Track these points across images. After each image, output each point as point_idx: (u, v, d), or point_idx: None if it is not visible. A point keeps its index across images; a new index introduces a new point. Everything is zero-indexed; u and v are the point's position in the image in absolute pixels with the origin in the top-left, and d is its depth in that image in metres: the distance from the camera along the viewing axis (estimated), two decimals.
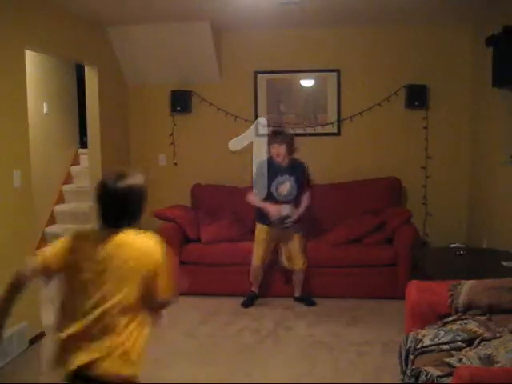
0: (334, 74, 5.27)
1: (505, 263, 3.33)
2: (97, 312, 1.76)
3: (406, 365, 2.38)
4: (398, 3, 4.28)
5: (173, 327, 3.87)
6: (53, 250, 1.92)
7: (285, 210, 4.07)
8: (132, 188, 1.86)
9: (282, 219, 4.07)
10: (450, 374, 2.04)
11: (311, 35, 5.22)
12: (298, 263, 4.23)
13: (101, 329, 1.76)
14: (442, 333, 2.35)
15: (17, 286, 1.99)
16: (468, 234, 5.14)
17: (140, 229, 1.87)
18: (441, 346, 2.27)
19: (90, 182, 4.96)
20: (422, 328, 2.51)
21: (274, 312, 4.19)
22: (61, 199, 6.27)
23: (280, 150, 4.10)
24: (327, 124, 5.33)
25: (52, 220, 6.07)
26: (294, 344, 3.59)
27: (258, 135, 5.38)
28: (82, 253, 1.85)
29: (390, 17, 4.76)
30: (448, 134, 5.19)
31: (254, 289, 4.42)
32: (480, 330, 2.33)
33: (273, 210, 4.07)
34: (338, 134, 5.33)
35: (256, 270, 4.31)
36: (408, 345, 2.42)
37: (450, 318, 2.50)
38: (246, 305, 4.35)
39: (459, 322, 2.44)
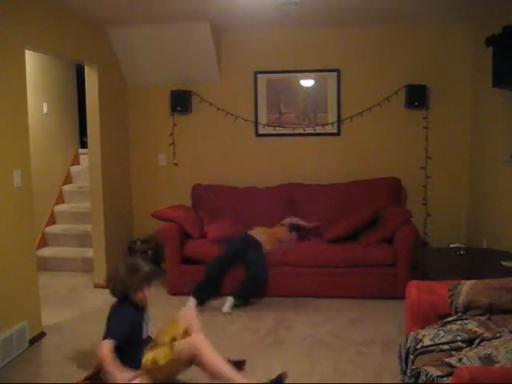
0: (334, 73, 5.27)
1: (505, 263, 3.33)
2: None
3: (406, 365, 2.38)
4: (398, 3, 4.28)
5: None
6: None
7: None
8: None
9: None
10: (449, 374, 2.04)
11: (311, 35, 5.22)
12: None
13: None
14: (442, 333, 2.35)
15: None
16: (468, 234, 5.14)
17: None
18: (441, 346, 2.27)
19: (89, 182, 4.96)
20: (422, 328, 2.51)
21: (274, 312, 4.19)
22: (61, 199, 6.28)
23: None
24: (327, 124, 5.33)
25: (52, 220, 6.07)
26: (293, 344, 3.59)
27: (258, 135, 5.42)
28: None
29: (390, 17, 4.76)
30: (448, 134, 5.19)
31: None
32: (480, 330, 2.32)
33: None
34: (338, 134, 5.33)
35: None
36: (408, 345, 2.42)
37: (450, 318, 2.50)
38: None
39: (459, 322, 2.44)
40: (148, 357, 2.65)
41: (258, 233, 4.65)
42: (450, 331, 2.35)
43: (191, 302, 4.21)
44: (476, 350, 2.19)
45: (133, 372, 2.57)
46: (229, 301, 4.23)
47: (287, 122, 5.39)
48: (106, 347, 2.52)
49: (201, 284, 4.35)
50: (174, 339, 2.76)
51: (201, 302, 4.26)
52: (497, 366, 2.02)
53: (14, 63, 3.49)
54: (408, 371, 2.34)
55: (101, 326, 2.75)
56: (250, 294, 4.35)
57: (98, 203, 4.90)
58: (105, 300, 4.63)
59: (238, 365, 3.01)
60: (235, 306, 4.24)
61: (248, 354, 3.44)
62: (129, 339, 2.70)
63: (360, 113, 5.27)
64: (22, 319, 3.54)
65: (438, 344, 2.28)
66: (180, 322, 2.88)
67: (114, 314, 2.76)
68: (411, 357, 2.35)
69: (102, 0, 4.07)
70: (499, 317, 2.46)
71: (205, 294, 4.34)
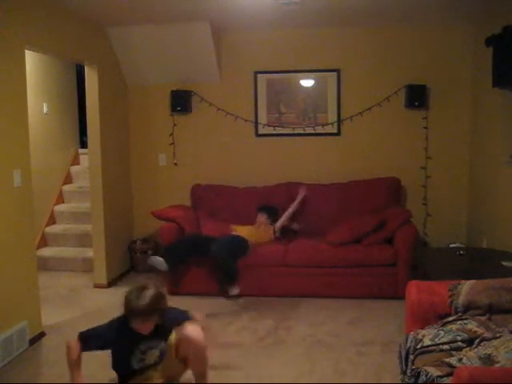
0: (334, 73, 5.27)
1: (505, 263, 3.33)
2: None
3: (406, 365, 2.38)
4: (398, 3, 4.28)
5: None
6: None
7: None
8: None
9: None
10: (449, 374, 2.03)
11: (311, 35, 5.22)
12: None
13: None
14: (442, 333, 2.35)
15: None
16: (468, 234, 5.14)
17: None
18: (441, 346, 2.27)
19: (89, 182, 4.96)
20: (422, 328, 2.51)
21: (274, 312, 4.19)
22: (61, 199, 6.28)
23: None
24: (327, 124, 5.33)
25: (52, 220, 6.08)
26: (293, 344, 3.59)
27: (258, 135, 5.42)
28: None
29: (390, 17, 4.76)
30: (448, 134, 5.19)
31: None
32: (480, 330, 2.32)
33: None
34: (338, 134, 5.33)
35: None
36: (408, 345, 2.41)
37: (450, 318, 2.50)
38: None
39: (459, 322, 2.44)
40: None
41: (240, 232, 4.70)
42: (450, 331, 2.35)
43: (157, 259, 4.32)
44: (476, 350, 2.19)
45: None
46: (230, 289, 4.33)
47: (287, 121, 5.39)
48: (74, 340, 2.52)
49: (171, 247, 4.43)
50: None
51: (170, 265, 4.32)
52: (497, 365, 2.02)
53: (14, 63, 3.49)
54: (408, 371, 2.34)
55: None
56: (230, 275, 4.34)
57: (98, 203, 4.90)
58: (105, 300, 4.65)
59: None
60: (229, 284, 4.33)
61: (248, 353, 3.44)
62: (116, 361, 2.63)
63: (360, 113, 5.27)
64: (22, 319, 3.54)
65: (438, 344, 2.28)
66: (172, 349, 2.68)
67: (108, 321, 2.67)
68: (411, 357, 2.35)
69: (102, 0, 4.07)
70: (499, 317, 2.46)
71: (174, 257, 4.38)
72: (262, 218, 4.83)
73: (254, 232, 4.71)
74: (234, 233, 4.70)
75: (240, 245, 4.52)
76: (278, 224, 4.80)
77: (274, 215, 4.86)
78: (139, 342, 2.61)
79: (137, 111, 5.58)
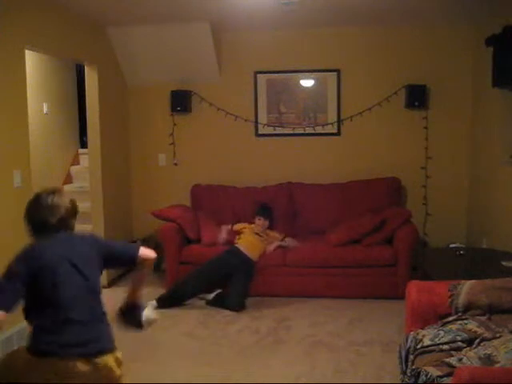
0: (334, 73, 5.27)
1: (505, 263, 3.34)
2: None
3: (406, 365, 2.38)
4: (399, 3, 4.28)
5: (173, 327, 3.88)
6: None
7: None
8: None
9: None
10: (449, 374, 2.03)
11: (311, 35, 5.22)
12: None
13: None
14: (442, 333, 2.35)
15: None
16: (468, 234, 5.14)
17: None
18: (441, 346, 2.27)
19: (89, 182, 4.96)
20: (422, 328, 2.51)
21: (274, 312, 4.19)
22: None
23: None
24: (327, 124, 5.33)
25: None
26: (294, 344, 3.59)
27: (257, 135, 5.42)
28: None
29: (390, 17, 4.76)
30: (448, 134, 5.19)
31: None
32: (480, 330, 2.33)
33: None
34: (338, 134, 5.34)
35: None
36: (408, 345, 2.42)
37: (450, 318, 2.50)
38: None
39: (459, 322, 2.44)
40: None
41: (245, 245, 4.54)
42: (450, 331, 2.35)
43: (151, 305, 4.03)
44: (476, 350, 2.19)
45: None
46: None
47: (287, 122, 5.39)
48: None
49: (171, 294, 4.35)
50: None
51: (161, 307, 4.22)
52: (497, 365, 2.02)
53: (14, 63, 3.49)
54: (408, 371, 2.34)
55: None
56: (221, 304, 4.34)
57: (98, 203, 4.90)
58: (104, 300, 4.64)
59: None
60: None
61: (248, 353, 3.44)
62: None
63: (360, 113, 5.27)
64: (22, 319, 3.53)
65: (438, 344, 2.28)
66: None
67: None
68: (411, 357, 2.35)
69: (102, 0, 4.07)
70: (499, 317, 2.46)
71: (170, 303, 4.30)
72: (265, 222, 4.76)
73: (261, 245, 4.59)
74: (237, 245, 4.54)
75: (251, 280, 4.45)
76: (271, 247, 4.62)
77: (272, 219, 4.85)
78: None
79: (137, 111, 5.58)
